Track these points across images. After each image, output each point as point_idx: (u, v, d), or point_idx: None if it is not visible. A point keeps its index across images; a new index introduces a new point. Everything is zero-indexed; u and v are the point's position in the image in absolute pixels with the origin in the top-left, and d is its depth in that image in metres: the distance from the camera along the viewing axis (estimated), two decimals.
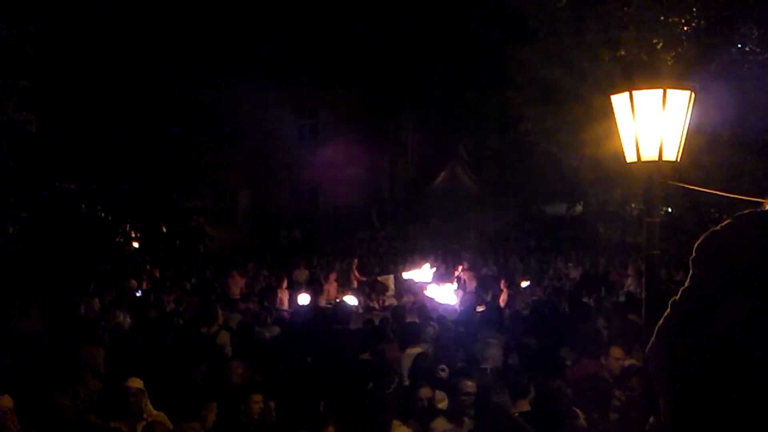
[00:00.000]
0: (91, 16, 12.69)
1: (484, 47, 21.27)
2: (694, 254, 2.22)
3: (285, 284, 15.11)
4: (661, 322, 2.28)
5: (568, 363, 8.18)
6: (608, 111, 4.74)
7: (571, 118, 12.43)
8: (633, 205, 13.29)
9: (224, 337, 9.62)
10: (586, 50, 11.66)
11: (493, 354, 8.07)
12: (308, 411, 6.16)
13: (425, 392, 6.44)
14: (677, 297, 2.24)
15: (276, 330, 10.54)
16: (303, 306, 13.48)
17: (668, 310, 2.26)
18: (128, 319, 10.97)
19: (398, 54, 28.58)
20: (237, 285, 15.31)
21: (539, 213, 29.64)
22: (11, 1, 11.67)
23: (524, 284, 16.69)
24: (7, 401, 5.71)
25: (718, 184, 7.29)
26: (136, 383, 6.12)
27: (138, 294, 14.23)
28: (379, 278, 15.57)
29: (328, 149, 28.49)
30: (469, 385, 6.57)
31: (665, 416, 2.25)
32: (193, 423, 5.66)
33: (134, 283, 14.78)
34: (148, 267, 16.13)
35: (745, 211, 2.22)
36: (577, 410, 6.11)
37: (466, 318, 11.40)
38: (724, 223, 2.20)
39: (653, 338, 2.29)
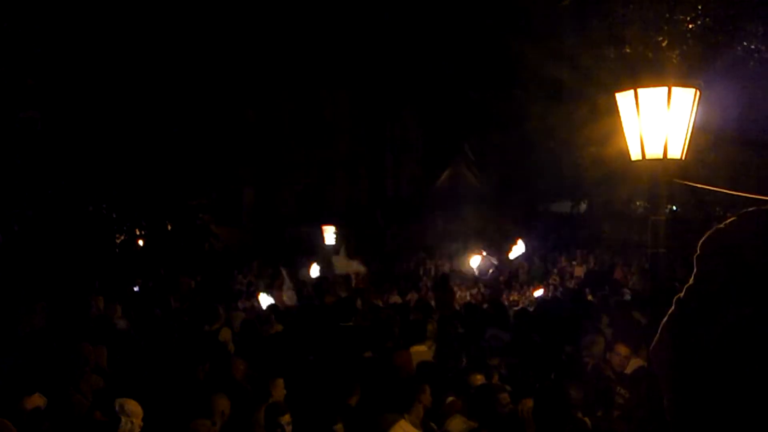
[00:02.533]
0: (97, 16, 12.73)
1: (489, 45, 21.27)
2: (698, 252, 2.22)
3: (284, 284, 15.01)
4: (665, 319, 2.27)
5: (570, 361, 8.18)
6: (613, 109, 4.74)
7: (575, 116, 12.43)
8: (638, 203, 13.30)
9: (226, 335, 9.63)
10: (591, 48, 11.66)
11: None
12: (317, 410, 6.18)
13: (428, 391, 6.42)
14: (682, 295, 2.24)
15: (279, 328, 10.54)
16: (308, 303, 13.49)
17: (673, 308, 2.25)
18: (131, 318, 10.98)
19: (403, 52, 28.55)
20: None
21: (544, 211, 29.59)
22: (17, 1, 11.70)
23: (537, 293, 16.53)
24: (39, 399, 5.73)
25: (722, 182, 7.29)
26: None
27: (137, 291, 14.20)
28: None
29: (333, 147, 28.49)
30: (479, 379, 6.59)
31: (670, 413, 2.25)
32: (204, 420, 5.65)
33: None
34: (153, 265, 16.18)
35: (750, 209, 2.22)
36: (580, 408, 6.11)
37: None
38: (729, 220, 2.20)
39: (658, 336, 2.28)
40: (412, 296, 15.08)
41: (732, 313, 2.10)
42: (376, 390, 6.90)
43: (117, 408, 5.61)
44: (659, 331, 2.29)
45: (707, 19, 10.64)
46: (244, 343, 9.29)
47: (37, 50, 12.09)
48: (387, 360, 8.17)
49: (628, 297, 13.62)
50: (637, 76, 4.48)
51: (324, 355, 8.43)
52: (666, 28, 10.65)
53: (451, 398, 6.68)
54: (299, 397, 6.60)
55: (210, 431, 5.59)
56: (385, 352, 8.50)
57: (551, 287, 16.94)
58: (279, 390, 6.53)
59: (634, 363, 7.35)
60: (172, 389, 6.65)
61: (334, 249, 18.08)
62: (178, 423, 5.70)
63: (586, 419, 6.02)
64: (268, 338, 9.69)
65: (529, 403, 6.30)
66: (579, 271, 19.70)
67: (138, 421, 5.62)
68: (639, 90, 4.39)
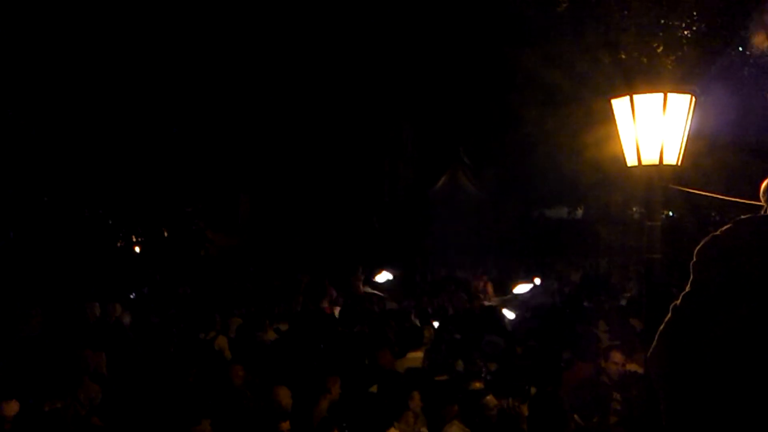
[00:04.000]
0: (96, 18, 12.72)
1: (485, 50, 21.28)
2: (695, 258, 2.22)
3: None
4: (662, 327, 2.28)
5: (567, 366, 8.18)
6: (608, 114, 4.75)
7: (571, 121, 12.44)
8: (634, 209, 13.30)
9: (222, 342, 9.63)
10: (586, 53, 11.67)
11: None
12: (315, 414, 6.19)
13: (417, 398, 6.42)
14: (678, 302, 2.24)
15: (272, 334, 10.50)
16: (307, 310, 13.45)
17: (669, 314, 2.26)
18: (127, 319, 10.95)
19: (398, 56, 28.57)
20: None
21: (540, 216, 29.61)
22: (18, 1, 11.70)
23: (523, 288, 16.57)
24: (14, 407, 5.71)
25: (718, 188, 7.29)
26: None
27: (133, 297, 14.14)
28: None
29: (329, 153, 28.45)
30: (478, 386, 6.60)
31: (666, 418, 2.25)
32: (203, 425, 5.65)
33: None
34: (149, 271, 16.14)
35: (745, 216, 2.22)
36: (575, 413, 6.12)
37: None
38: (725, 227, 2.20)
39: (655, 343, 2.28)
40: (409, 302, 15.05)
41: (729, 317, 2.10)
42: (367, 396, 6.92)
43: None
44: (656, 338, 2.29)
45: (702, 25, 10.66)
46: (241, 349, 9.28)
47: (33, 53, 12.07)
48: (374, 364, 8.19)
49: (624, 302, 13.64)
50: (632, 82, 4.49)
51: (326, 361, 8.44)
52: (661, 34, 10.66)
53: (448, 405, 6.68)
54: (300, 402, 6.60)
55: None
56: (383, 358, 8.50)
57: (548, 290, 16.94)
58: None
59: (628, 367, 7.35)
60: (169, 395, 6.64)
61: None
62: (176, 428, 5.70)
63: (581, 424, 6.03)
64: (270, 344, 9.68)
65: (523, 409, 6.32)
66: (575, 277, 19.74)
67: None
68: (635, 96, 4.41)
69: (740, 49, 10.70)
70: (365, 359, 8.45)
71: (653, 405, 2.41)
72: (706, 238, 2.26)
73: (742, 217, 2.25)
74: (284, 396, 6.24)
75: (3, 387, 6.23)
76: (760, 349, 2.12)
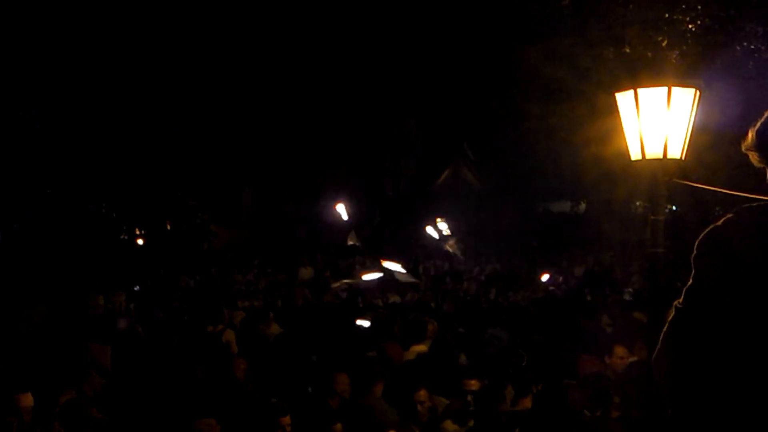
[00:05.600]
0: (97, 16, 12.73)
1: (488, 44, 21.26)
2: (695, 251, 2.22)
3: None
4: (665, 327, 2.26)
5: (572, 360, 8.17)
6: (612, 108, 4.75)
7: (574, 116, 12.43)
8: (637, 203, 13.32)
9: (229, 336, 9.64)
10: (590, 48, 11.66)
11: None
12: (316, 408, 6.19)
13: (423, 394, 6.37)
14: (681, 298, 2.24)
15: (277, 328, 10.51)
16: (309, 303, 13.46)
17: (672, 313, 2.25)
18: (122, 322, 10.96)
19: (401, 51, 28.54)
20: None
21: (543, 211, 29.59)
22: (18, 1, 11.71)
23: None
24: (28, 400, 5.72)
25: (722, 182, 7.29)
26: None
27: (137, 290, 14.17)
28: None
29: (332, 146, 28.45)
30: (473, 384, 6.57)
31: (672, 417, 2.24)
32: (208, 419, 5.65)
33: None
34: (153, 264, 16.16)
35: (744, 205, 2.22)
36: (582, 408, 6.11)
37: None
38: (724, 217, 2.20)
39: (659, 345, 2.27)
40: (412, 296, 15.06)
41: (729, 309, 2.10)
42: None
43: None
44: (660, 340, 2.28)
45: (707, 19, 10.65)
46: (245, 342, 9.30)
47: (36, 49, 12.08)
48: (382, 356, 8.18)
49: (628, 297, 13.63)
50: (636, 75, 4.50)
51: (327, 355, 8.44)
52: (665, 28, 10.66)
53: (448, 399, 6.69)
54: (300, 397, 6.60)
55: (213, 431, 5.59)
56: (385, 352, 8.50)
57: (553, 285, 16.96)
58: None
59: (631, 360, 7.35)
60: (174, 389, 6.65)
61: None
62: (181, 423, 5.70)
63: (587, 420, 6.02)
64: (274, 339, 9.69)
65: (527, 402, 6.32)
66: (578, 271, 19.74)
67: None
68: (639, 90, 4.40)
69: (745, 43, 10.69)
70: (371, 352, 8.46)
71: (658, 408, 2.40)
72: (706, 230, 2.25)
73: (743, 206, 2.25)
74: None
75: (16, 380, 6.24)
76: (762, 341, 2.11)
